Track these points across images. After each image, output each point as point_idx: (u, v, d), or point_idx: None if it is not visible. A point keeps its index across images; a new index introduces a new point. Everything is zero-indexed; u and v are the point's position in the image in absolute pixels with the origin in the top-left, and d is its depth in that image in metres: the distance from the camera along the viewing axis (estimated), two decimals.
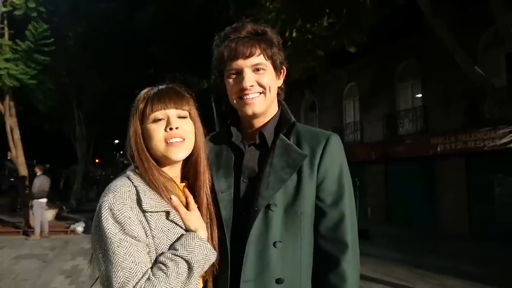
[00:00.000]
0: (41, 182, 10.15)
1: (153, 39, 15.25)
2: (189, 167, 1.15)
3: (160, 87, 1.12)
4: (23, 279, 6.17)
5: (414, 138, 12.30)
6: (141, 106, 1.08)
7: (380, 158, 13.53)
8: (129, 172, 1.06)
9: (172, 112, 1.07)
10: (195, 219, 1.07)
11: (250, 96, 1.16)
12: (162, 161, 1.09)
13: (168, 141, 1.06)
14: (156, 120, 1.06)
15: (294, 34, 7.53)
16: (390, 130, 13.49)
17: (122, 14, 16.22)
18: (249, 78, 1.15)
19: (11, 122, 11.32)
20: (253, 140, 1.22)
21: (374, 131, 14.21)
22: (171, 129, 1.06)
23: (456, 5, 10.25)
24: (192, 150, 1.12)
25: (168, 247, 1.01)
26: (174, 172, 1.12)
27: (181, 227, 1.06)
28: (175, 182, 1.11)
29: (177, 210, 1.06)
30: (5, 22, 10.96)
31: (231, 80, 1.19)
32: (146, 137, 1.07)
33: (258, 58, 1.16)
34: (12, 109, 11.35)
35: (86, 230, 10.65)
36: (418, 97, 12.79)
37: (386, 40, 12.19)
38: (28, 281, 6.08)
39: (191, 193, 1.13)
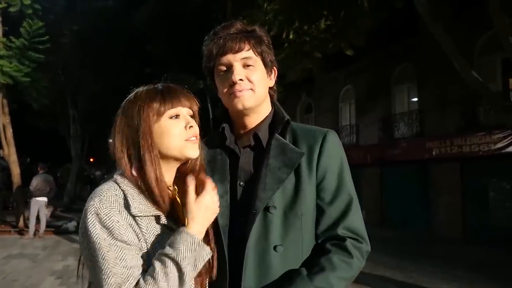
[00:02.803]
0: (38, 180, 10.05)
1: (150, 38, 15.21)
2: (183, 172, 1.08)
3: (164, 85, 1.08)
4: (13, 280, 6.08)
5: (410, 142, 12.32)
6: (156, 103, 1.02)
7: (375, 161, 13.53)
8: (116, 176, 1.02)
9: (186, 111, 1.06)
10: (197, 209, 0.99)
11: (240, 90, 1.12)
12: (168, 161, 1.04)
13: (188, 139, 1.03)
14: (173, 117, 1.03)
15: (291, 36, 7.50)
16: (385, 133, 13.51)
17: (118, 12, 16.15)
18: (238, 72, 1.12)
19: (3, 120, 11.20)
20: (248, 142, 1.18)
21: (369, 134, 14.22)
22: (190, 127, 1.04)
23: (453, 10, 10.29)
24: None
25: None
26: (169, 176, 1.07)
27: (173, 232, 0.99)
28: (168, 187, 1.06)
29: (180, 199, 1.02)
30: (0, 18, 10.85)
31: (220, 77, 1.16)
32: (160, 134, 1.02)
33: (248, 53, 1.14)
34: (5, 107, 11.24)
35: (78, 230, 10.54)
36: (414, 101, 12.82)
37: (383, 44, 12.20)
38: (18, 281, 5.98)
39: (184, 201, 1.06)
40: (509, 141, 9.45)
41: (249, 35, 1.15)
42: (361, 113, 14.74)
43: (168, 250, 0.92)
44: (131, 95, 1.07)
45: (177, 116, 1.03)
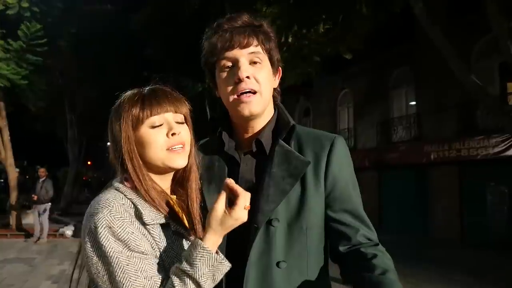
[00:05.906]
0: (50, 186, 10.05)
1: (148, 41, 15.20)
2: (179, 178, 1.04)
3: (153, 87, 1.01)
4: (9, 284, 6.02)
5: (408, 145, 12.33)
6: (135, 110, 0.96)
7: (373, 165, 13.53)
8: (117, 184, 0.96)
9: (171, 117, 0.98)
10: (224, 222, 0.90)
11: (246, 91, 1.02)
12: (156, 170, 0.99)
13: (171, 148, 0.96)
14: (155, 126, 0.96)
15: (290, 40, 7.51)
16: (383, 137, 13.52)
17: (117, 15, 16.15)
18: (245, 69, 1.02)
19: (0, 122, 11.16)
20: (249, 148, 1.09)
21: (367, 137, 14.23)
22: (173, 134, 0.96)
23: (450, 14, 10.33)
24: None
25: (175, 259, 0.93)
26: (165, 184, 1.02)
27: (183, 238, 0.98)
28: (168, 195, 1.01)
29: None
30: None
31: (224, 74, 1.05)
32: (141, 144, 0.96)
33: (256, 48, 1.05)
34: (2, 110, 11.20)
35: (75, 234, 10.50)
36: (412, 105, 12.84)
37: (381, 48, 12.24)
38: (14, 286, 5.93)
39: (183, 208, 1.03)
40: (507, 145, 9.47)
41: (257, 29, 1.07)
42: (359, 116, 14.76)
43: (185, 266, 0.88)
44: (118, 100, 1.01)
45: (158, 125, 0.96)
